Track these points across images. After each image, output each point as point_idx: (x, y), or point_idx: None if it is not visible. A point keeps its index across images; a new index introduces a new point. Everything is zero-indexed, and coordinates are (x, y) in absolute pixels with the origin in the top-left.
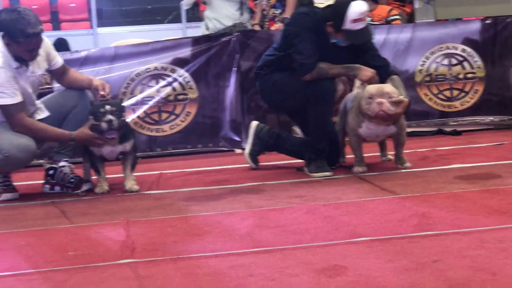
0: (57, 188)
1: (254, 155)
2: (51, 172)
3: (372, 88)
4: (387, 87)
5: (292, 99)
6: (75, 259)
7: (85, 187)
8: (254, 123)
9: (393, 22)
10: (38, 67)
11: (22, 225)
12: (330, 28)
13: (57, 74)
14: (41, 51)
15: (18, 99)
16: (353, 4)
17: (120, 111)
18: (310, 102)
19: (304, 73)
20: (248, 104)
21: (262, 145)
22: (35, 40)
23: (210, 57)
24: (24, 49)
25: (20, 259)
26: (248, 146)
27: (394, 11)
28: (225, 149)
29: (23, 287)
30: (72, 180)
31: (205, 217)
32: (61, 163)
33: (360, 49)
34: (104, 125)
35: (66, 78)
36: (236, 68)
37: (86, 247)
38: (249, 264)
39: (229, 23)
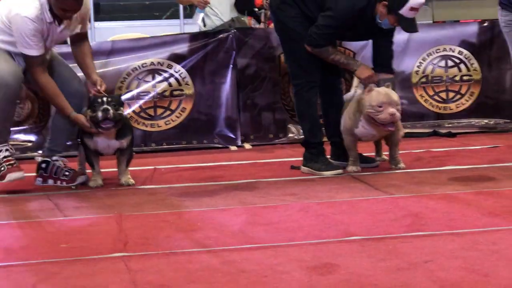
0: (50, 181)
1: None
2: (43, 165)
3: (380, 96)
4: (394, 94)
5: (290, 57)
6: (67, 252)
7: (79, 180)
8: None
9: None
10: (69, 28)
11: (15, 217)
12: (383, 8)
13: (75, 38)
14: (77, 14)
15: (40, 51)
16: None
17: (118, 104)
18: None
19: (309, 44)
20: (244, 101)
21: None
22: (71, 3)
23: (207, 53)
24: (59, 7)
25: (12, 250)
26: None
27: None
28: (220, 145)
29: (15, 278)
30: (67, 173)
31: (198, 213)
32: (54, 157)
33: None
34: (100, 114)
35: (78, 47)
36: (232, 65)
37: (78, 240)
38: (241, 260)
39: (226, 18)
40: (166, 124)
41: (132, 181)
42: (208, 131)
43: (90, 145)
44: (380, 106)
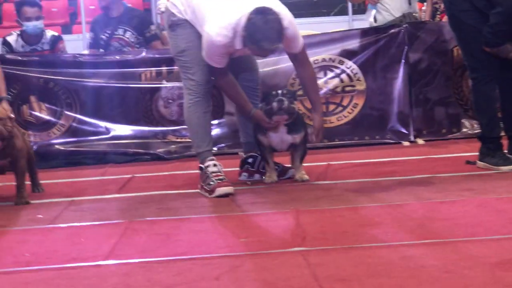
0: (256, 176)
1: None
2: (250, 160)
3: None
4: None
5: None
6: (247, 246)
7: (289, 174)
8: None
9: None
10: None
11: (195, 212)
12: None
13: (291, 56)
14: None
15: (223, 65)
16: None
17: (292, 97)
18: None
19: (486, 45)
20: (416, 96)
21: None
22: (266, 53)
23: (378, 49)
24: (253, 51)
25: (194, 244)
26: None
27: None
28: (392, 141)
29: (198, 271)
30: (276, 168)
31: (374, 208)
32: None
33: None
34: (275, 105)
35: (298, 68)
36: (404, 60)
37: (257, 235)
38: (420, 256)
39: (398, 14)
40: (338, 120)
41: (306, 177)
42: (381, 126)
43: (264, 141)
44: None
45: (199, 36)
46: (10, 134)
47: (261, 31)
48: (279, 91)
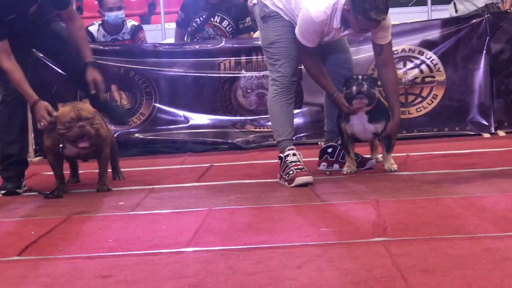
0: (335, 166)
1: None
2: (329, 150)
3: None
4: None
5: None
6: (327, 235)
7: (368, 165)
8: None
9: None
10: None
11: (274, 201)
12: None
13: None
14: None
15: (314, 45)
16: None
17: (372, 82)
18: None
19: None
20: (497, 87)
21: None
22: (373, 25)
23: (459, 39)
24: (358, 26)
25: (274, 233)
26: None
27: None
28: (472, 133)
29: (280, 259)
30: (356, 158)
31: (455, 200)
32: (339, 141)
33: None
34: (354, 88)
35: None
36: (486, 51)
37: (337, 224)
38: (505, 248)
39: (481, 4)
40: (417, 111)
41: (395, 167)
42: (461, 118)
43: (347, 129)
44: None
45: (289, 29)
46: (97, 132)
47: (370, 0)
48: (359, 76)
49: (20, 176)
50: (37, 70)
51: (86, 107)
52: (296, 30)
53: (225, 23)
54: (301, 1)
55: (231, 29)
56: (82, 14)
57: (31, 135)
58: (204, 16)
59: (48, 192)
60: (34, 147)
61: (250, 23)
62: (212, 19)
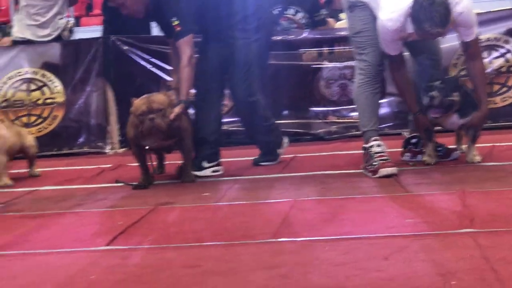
0: (419, 157)
1: None
2: (413, 140)
3: None
4: None
5: None
6: (413, 226)
7: (453, 156)
8: None
9: None
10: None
11: (359, 192)
12: None
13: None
14: None
15: (397, 52)
16: None
17: (448, 88)
18: None
19: None
20: None
21: None
22: (426, 36)
23: None
24: (417, 34)
25: (359, 223)
26: None
27: None
28: None
29: (366, 250)
30: (440, 148)
31: None
32: None
33: None
34: (425, 100)
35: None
36: None
37: (423, 215)
38: None
39: None
40: (503, 101)
41: (478, 158)
42: None
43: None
44: None
45: (375, 18)
46: (178, 124)
47: (425, 12)
48: (436, 83)
49: None
50: (121, 63)
51: (158, 98)
52: (380, 39)
53: (299, 15)
54: (379, 6)
55: (305, 21)
56: (92, 12)
57: (115, 127)
58: (278, 10)
59: (136, 183)
60: (119, 138)
61: (326, 16)
62: (285, 12)
